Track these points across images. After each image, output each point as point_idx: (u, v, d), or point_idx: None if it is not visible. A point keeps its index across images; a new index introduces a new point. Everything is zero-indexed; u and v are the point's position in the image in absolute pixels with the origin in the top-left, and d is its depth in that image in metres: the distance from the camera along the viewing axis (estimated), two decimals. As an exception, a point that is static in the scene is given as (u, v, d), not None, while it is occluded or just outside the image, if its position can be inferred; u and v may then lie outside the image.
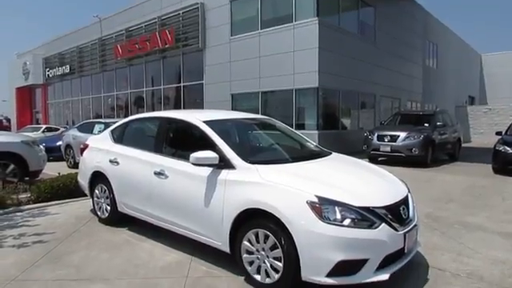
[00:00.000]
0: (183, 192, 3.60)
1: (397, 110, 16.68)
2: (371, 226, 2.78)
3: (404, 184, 3.58)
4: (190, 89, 17.01)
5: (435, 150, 10.63)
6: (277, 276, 2.91)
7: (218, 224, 3.25)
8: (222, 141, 3.51)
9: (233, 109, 14.58)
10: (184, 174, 3.62)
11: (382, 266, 2.82)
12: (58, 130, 17.90)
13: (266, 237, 2.96)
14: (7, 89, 33.37)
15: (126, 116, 16.85)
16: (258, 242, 3.02)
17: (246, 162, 3.30)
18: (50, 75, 26.70)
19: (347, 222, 2.73)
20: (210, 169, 3.40)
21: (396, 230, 2.90)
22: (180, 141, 4.19)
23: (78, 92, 24.69)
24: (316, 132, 12.24)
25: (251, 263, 3.09)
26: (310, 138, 11.84)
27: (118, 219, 4.64)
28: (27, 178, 7.22)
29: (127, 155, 4.40)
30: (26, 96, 31.04)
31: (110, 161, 4.55)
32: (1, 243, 4.10)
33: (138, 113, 18.04)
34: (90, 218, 5.04)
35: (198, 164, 3.35)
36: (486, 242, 4.20)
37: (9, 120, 35.17)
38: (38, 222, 4.94)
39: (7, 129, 29.46)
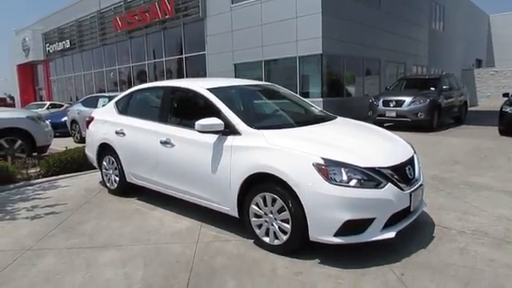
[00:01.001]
0: (190, 160, 3.64)
1: (402, 75, 16.38)
2: (377, 185, 2.81)
3: (410, 145, 3.58)
4: (192, 60, 16.78)
5: (441, 113, 10.54)
6: (285, 237, 2.98)
7: (226, 189, 3.30)
8: (226, 107, 3.50)
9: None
10: (190, 142, 3.64)
11: (389, 224, 2.87)
12: (63, 106, 17.93)
13: (274, 200, 3.00)
14: (9, 67, 33.14)
15: (128, 90, 16.80)
16: (265, 205, 3.07)
17: (252, 127, 3.30)
18: (51, 51, 26.41)
19: (353, 182, 2.76)
20: (216, 136, 3.41)
21: (402, 189, 2.93)
22: (185, 109, 4.18)
23: (79, 67, 24.50)
24: (320, 100, 12.14)
25: (260, 226, 3.16)
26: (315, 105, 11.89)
27: (127, 190, 4.72)
28: (35, 154, 7.32)
29: (133, 126, 4.41)
30: (27, 73, 30.87)
31: (116, 132, 4.58)
32: (14, 215, 4.22)
33: (140, 86, 17.96)
34: (99, 190, 5.14)
35: (204, 131, 3.36)
36: (492, 201, 4.24)
37: (12, 98, 35.22)
38: (49, 194, 5.05)
39: (11, 107, 29.54)
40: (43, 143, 7.47)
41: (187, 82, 4.15)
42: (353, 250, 2.95)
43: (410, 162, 3.21)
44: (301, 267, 2.84)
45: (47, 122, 8.19)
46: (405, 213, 2.99)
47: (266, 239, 3.11)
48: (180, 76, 17.29)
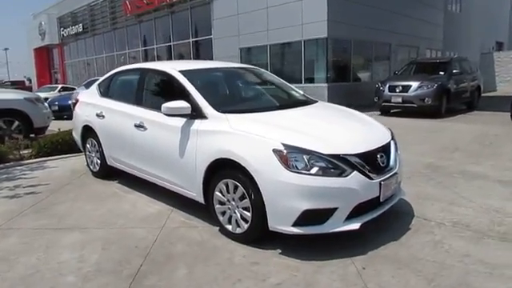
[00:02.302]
0: (161, 144, 3.54)
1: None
2: (341, 174, 2.64)
3: (389, 131, 3.37)
4: (199, 44, 16.59)
5: (450, 99, 10.09)
6: (246, 226, 2.86)
7: (192, 174, 3.19)
8: (195, 90, 3.36)
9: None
10: (160, 126, 3.54)
11: (355, 215, 2.71)
12: (74, 89, 18.13)
13: (236, 187, 2.88)
14: (27, 50, 33.72)
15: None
16: (228, 192, 2.95)
17: (218, 111, 3.16)
18: (65, 35, 26.67)
19: (315, 170, 2.60)
20: (184, 119, 3.29)
21: (370, 178, 2.75)
22: (157, 92, 4.06)
23: (92, 51, 24.67)
24: (325, 85, 11.82)
25: (223, 213, 3.05)
26: (319, 91, 11.62)
27: (109, 173, 4.68)
28: (33, 135, 7.39)
29: (111, 108, 4.34)
30: (44, 56, 31.37)
31: (97, 115, 4.51)
32: (-4, 195, 4.25)
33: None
34: (84, 172, 5.12)
35: (170, 114, 3.24)
36: (484, 191, 4.00)
37: (31, 80, 35.97)
38: (35, 174, 5.08)
39: (30, 89, 30.18)
40: (41, 125, 7.53)
41: (162, 64, 4.02)
42: (319, 240, 2.82)
43: (384, 149, 3.01)
44: (259, 257, 2.72)
45: (46, 103, 8.24)
46: (373, 203, 2.82)
47: (229, 227, 3.01)
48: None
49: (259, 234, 2.82)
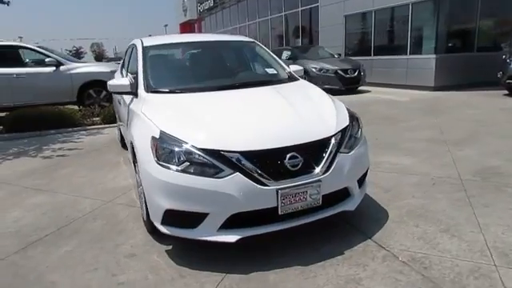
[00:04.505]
0: (123, 116, 3.62)
1: None
2: (216, 174, 2.18)
3: (343, 124, 2.60)
4: (306, 13, 15.83)
5: None
6: (145, 215, 2.69)
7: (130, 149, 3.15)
8: (142, 68, 3.25)
9: (346, 33, 13.01)
10: (124, 99, 3.61)
11: (236, 225, 2.24)
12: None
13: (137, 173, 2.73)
14: (175, 26, 38.45)
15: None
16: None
17: (147, 91, 2.99)
18: (201, 10, 29.17)
19: (184, 165, 2.21)
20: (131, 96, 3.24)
21: (262, 183, 2.19)
22: (132, 66, 4.06)
23: (221, 24, 26.35)
24: (433, 57, 9.79)
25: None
26: (425, 64, 9.78)
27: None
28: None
29: None
30: (187, 31, 35.20)
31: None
32: (35, 153, 5.12)
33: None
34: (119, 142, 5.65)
35: (113, 92, 3.24)
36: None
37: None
38: (84, 139, 5.88)
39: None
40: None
41: (145, 39, 3.94)
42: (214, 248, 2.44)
43: (304, 148, 2.33)
44: (141, 250, 2.54)
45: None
46: (268, 216, 2.26)
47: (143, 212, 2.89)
48: (295, 31, 16.68)
49: (151, 227, 2.62)
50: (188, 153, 2.23)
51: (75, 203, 3.39)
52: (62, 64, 7.91)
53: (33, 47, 8.11)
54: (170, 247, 2.55)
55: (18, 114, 6.43)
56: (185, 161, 2.22)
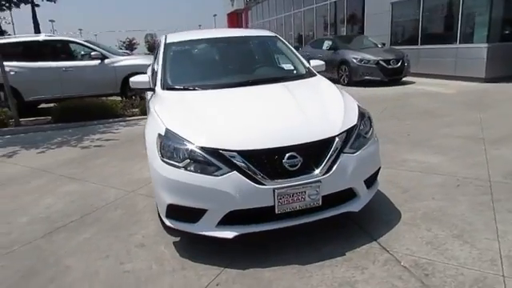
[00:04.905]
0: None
1: None
2: (214, 172, 2.25)
3: (351, 124, 2.53)
4: (352, 1, 15.28)
5: None
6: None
7: None
8: (161, 65, 3.38)
9: (392, 21, 12.40)
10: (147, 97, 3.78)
11: (235, 222, 2.30)
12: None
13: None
14: (224, 16, 38.94)
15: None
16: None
17: (163, 88, 3.12)
18: (247, 0, 29.22)
19: (185, 163, 2.30)
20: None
21: (259, 182, 2.22)
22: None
23: (266, 14, 26.23)
24: (485, 46, 9.03)
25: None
26: (475, 54, 9.06)
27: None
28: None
29: None
30: (234, 20, 35.54)
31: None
32: (78, 143, 5.51)
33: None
34: (153, 131, 5.93)
35: (134, 88, 3.40)
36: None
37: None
38: (122, 130, 6.24)
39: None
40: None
41: (169, 35, 4.04)
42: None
43: (306, 147, 2.31)
44: (151, 241, 2.69)
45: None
46: (264, 214, 2.29)
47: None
48: (340, 19, 16.16)
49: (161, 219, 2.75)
50: (189, 151, 2.31)
51: (101, 192, 3.64)
52: (107, 57, 8.38)
53: (80, 41, 8.67)
54: (178, 239, 2.67)
55: (66, 105, 6.94)
56: (186, 158, 2.31)
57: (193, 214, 2.33)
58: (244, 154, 2.24)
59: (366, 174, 2.58)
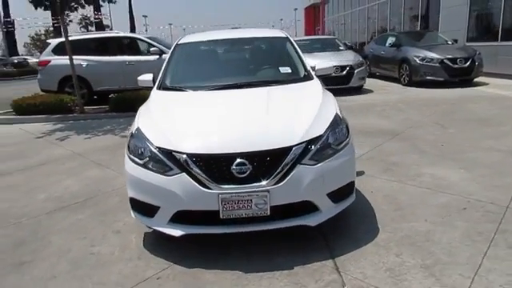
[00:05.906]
0: None
1: None
2: (166, 172, 2.35)
3: (315, 135, 2.42)
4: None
5: None
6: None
7: None
8: (164, 66, 3.57)
9: (469, 15, 11.12)
10: None
11: (185, 221, 2.40)
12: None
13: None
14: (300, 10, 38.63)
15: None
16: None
17: (157, 88, 3.31)
18: (324, -7, 28.50)
19: (144, 161, 2.45)
20: None
21: (205, 186, 2.27)
22: None
23: (342, 8, 25.32)
24: None
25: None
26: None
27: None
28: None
29: None
30: (310, 14, 35.00)
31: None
32: (120, 132, 6.06)
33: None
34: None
35: (141, 86, 3.65)
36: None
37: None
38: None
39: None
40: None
41: (185, 37, 4.20)
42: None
43: (258, 155, 2.28)
44: (125, 228, 2.92)
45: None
46: (210, 217, 2.32)
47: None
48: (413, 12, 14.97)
49: None
50: (148, 150, 2.45)
51: (113, 179, 4.00)
52: (165, 53, 8.96)
53: (142, 38, 9.42)
54: (151, 231, 2.84)
55: (122, 95, 7.63)
56: (146, 157, 2.45)
57: (149, 209, 2.47)
58: (194, 157, 2.31)
59: (331, 187, 2.45)
